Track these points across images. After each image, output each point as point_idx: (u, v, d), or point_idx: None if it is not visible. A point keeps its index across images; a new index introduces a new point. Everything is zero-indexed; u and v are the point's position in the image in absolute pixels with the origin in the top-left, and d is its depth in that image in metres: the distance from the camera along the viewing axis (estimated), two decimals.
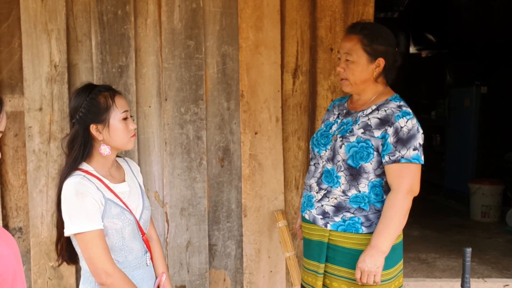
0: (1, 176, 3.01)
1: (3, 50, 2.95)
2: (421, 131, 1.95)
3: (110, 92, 1.73)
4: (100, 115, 1.69)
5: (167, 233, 3.03)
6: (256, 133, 3.01)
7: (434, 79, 8.16)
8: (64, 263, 1.84)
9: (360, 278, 1.92)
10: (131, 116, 1.79)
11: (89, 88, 1.74)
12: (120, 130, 1.72)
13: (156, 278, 1.87)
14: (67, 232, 1.64)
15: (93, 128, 1.69)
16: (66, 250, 1.78)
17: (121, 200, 1.73)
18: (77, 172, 1.68)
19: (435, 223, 5.32)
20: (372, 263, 1.89)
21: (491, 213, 5.53)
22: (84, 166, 1.71)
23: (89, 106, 1.69)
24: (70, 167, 1.68)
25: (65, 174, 1.68)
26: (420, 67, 8.52)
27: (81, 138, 1.69)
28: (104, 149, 1.71)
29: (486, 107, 6.13)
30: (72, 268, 2.99)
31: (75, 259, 1.80)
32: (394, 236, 1.93)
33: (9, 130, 2.97)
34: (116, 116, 1.71)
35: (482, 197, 5.54)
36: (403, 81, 7.43)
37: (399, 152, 1.91)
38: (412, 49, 8.83)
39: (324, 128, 2.17)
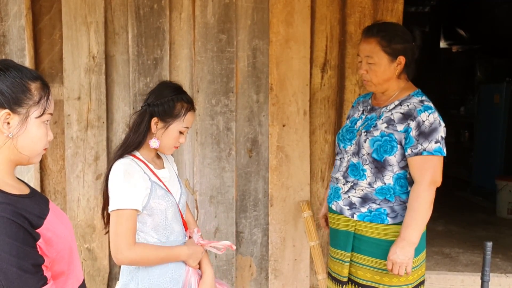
0: (41, 161, 3.16)
1: (44, 41, 3.09)
2: (443, 124, 2.00)
3: (189, 105, 1.88)
4: (167, 116, 1.83)
5: (197, 219, 3.15)
6: (284, 126, 3.09)
7: (464, 74, 8.07)
8: (98, 243, 1.96)
9: (391, 270, 1.99)
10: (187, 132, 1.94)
11: (177, 91, 1.89)
12: (171, 138, 1.86)
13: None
14: (110, 209, 1.77)
15: (154, 121, 1.83)
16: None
17: (163, 184, 1.86)
18: (127, 155, 1.82)
19: (461, 218, 5.30)
20: (403, 254, 1.96)
21: None
22: (133, 151, 1.85)
23: (166, 103, 1.83)
24: (129, 147, 1.83)
25: (120, 153, 1.82)
26: (450, 62, 8.43)
27: (146, 124, 1.84)
28: (154, 143, 1.84)
29: None
30: (105, 250, 3.13)
31: None
32: (422, 227, 1.99)
33: None
34: (177, 126, 1.85)
35: (509, 194, 5.49)
36: (433, 76, 7.41)
37: (421, 145, 1.96)
38: (442, 44, 8.73)
39: (349, 124, 2.23)
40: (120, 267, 1.95)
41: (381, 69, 2.05)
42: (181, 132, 1.87)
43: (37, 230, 1.16)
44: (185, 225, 1.95)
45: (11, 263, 1.08)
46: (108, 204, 1.82)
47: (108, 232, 1.97)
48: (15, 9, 2.97)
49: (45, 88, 1.25)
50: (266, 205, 3.18)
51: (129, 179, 1.74)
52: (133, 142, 1.83)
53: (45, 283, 1.15)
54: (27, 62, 2.99)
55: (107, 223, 1.92)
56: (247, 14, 3.06)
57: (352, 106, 2.36)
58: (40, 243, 1.16)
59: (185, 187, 3.12)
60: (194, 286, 1.89)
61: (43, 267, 1.16)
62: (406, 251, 1.96)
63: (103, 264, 3.16)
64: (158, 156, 1.98)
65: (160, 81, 2.00)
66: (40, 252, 1.16)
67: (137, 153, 1.85)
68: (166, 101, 1.83)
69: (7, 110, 1.17)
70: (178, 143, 1.90)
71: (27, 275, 1.11)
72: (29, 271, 1.11)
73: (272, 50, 3.04)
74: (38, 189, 3.09)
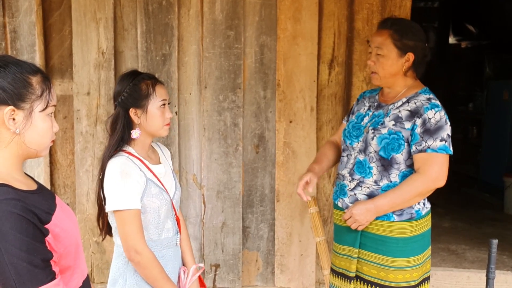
0: (51, 156, 3.20)
1: (54, 37, 3.12)
2: (448, 123, 2.00)
3: (152, 80, 1.85)
4: (140, 101, 1.81)
5: (204, 214, 3.18)
6: (291, 122, 3.10)
7: (473, 70, 8.03)
8: (107, 236, 1.98)
9: (346, 219, 2.07)
10: (169, 103, 1.90)
11: (133, 75, 1.85)
12: (156, 117, 1.83)
13: (182, 262, 2.00)
14: (108, 208, 1.75)
15: (132, 112, 1.81)
16: (107, 225, 1.91)
17: (159, 180, 1.84)
18: (121, 153, 1.80)
19: (468, 215, 5.28)
20: (364, 216, 2.02)
21: None
22: (127, 148, 1.83)
23: (131, 91, 1.80)
24: (113, 147, 1.80)
25: (109, 154, 1.78)
26: (459, 58, 8.39)
27: (123, 120, 1.81)
28: (135, 133, 1.82)
29: None
30: (114, 244, 3.17)
31: None
32: (395, 207, 2.02)
33: (58, 113, 3.16)
34: (154, 103, 1.82)
35: None
36: (441, 71, 7.37)
37: (426, 142, 1.97)
38: (451, 40, 8.68)
39: (356, 120, 2.23)
40: None
41: (389, 62, 2.06)
42: (162, 107, 1.84)
43: (46, 226, 1.18)
44: (177, 221, 1.95)
45: (21, 258, 1.10)
46: (104, 210, 1.82)
47: (104, 239, 1.97)
48: (26, 5, 3.00)
49: (46, 81, 1.25)
50: (272, 200, 3.20)
51: (127, 178, 1.72)
52: (116, 143, 1.80)
53: (54, 278, 1.17)
54: (37, 57, 3.03)
55: (102, 229, 1.92)
56: (255, 10, 3.07)
57: (357, 100, 2.35)
58: (49, 238, 1.18)
59: (192, 181, 3.16)
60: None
61: (51, 262, 1.18)
62: (368, 215, 2.02)
63: (111, 257, 3.18)
64: (154, 151, 1.97)
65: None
66: (48, 248, 1.18)
67: (131, 150, 1.82)
68: (130, 88, 1.80)
69: (11, 107, 1.17)
70: (167, 120, 1.87)
71: (37, 270, 1.12)
72: (38, 266, 1.13)
73: (279, 46, 3.05)
74: (48, 183, 3.14)
